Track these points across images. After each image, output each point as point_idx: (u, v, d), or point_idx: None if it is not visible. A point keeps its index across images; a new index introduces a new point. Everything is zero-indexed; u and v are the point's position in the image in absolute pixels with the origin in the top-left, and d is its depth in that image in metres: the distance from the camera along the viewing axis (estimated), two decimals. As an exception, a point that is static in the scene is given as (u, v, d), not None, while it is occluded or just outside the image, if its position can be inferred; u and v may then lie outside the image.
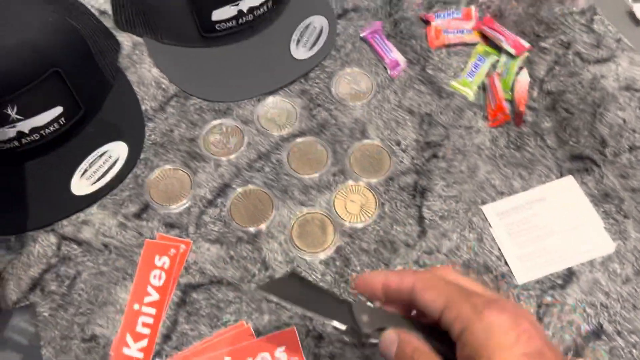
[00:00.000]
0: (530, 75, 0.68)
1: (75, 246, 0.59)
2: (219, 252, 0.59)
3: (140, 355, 0.54)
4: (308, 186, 0.63)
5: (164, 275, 0.58)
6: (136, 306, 0.56)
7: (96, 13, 0.74)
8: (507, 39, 0.69)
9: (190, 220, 0.61)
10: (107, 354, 0.54)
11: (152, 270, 0.58)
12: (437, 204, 0.61)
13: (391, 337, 0.39)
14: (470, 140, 0.65)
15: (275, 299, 0.44)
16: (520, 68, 0.68)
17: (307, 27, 0.73)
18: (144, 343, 0.54)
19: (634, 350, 0.54)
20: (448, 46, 0.72)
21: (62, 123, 0.62)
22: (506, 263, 0.58)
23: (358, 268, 0.58)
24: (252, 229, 0.60)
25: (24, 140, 0.60)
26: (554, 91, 0.68)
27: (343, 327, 0.40)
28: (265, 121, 0.67)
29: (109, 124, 0.66)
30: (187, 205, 0.62)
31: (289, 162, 0.64)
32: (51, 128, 0.61)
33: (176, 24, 0.69)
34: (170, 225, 0.60)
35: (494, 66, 0.70)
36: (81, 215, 0.61)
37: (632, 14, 0.75)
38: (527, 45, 0.69)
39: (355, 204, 0.61)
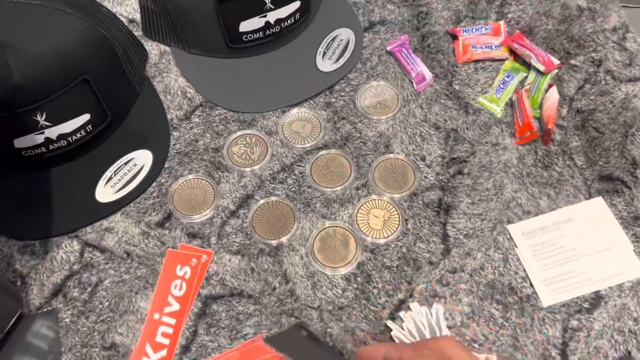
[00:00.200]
0: (560, 93, 0.67)
1: (98, 253, 0.60)
2: (240, 263, 0.59)
3: (159, 365, 0.54)
4: (330, 199, 0.62)
5: (184, 285, 0.58)
6: (156, 316, 0.56)
7: (125, 21, 0.74)
8: (537, 56, 0.68)
9: (213, 230, 0.61)
10: (126, 363, 0.54)
11: (173, 280, 0.58)
12: (461, 221, 0.60)
13: None
14: (496, 157, 0.64)
15: (280, 354, 0.45)
16: (550, 85, 0.67)
17: (333, 39, 0.73)
18: (163, 353, 0.54)
19: (663, 380, 0.52)
20: (476, 61, 0.71)
21: (88, 130, 0.63)
22: (531, 285, 0.57)
23: (380, 285, 0.57)
24: (273, 242, 0.60)
25: (51, 147, 0.61)
26: (584, 110, 0.67)
27: None
28: (289, 133, 0.67)
29: (134, 132, 0.66)
30: (209, 215, 0.62)
31: (311, 175, 0.64)
32: (78, 135, 0.62)
33: (204, 34, 0.69)
34: (192, 235, 0.60)
35: (522, 83, 0.69)
36: (104, 223, 0.61)
37: (665, 32, 0.74)
38: (557, 62, 0.68)
39: (378, 219, 0.61)
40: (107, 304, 0.57)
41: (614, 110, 0.67)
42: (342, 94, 0.70)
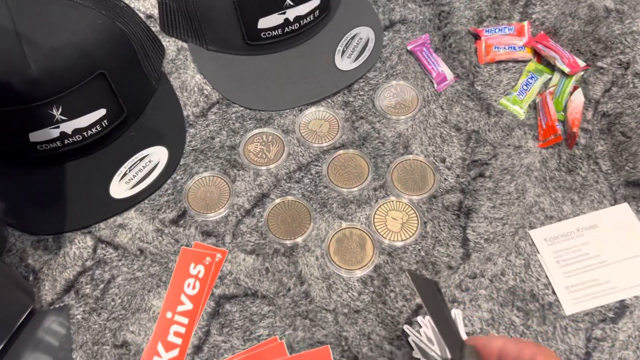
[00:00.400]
0: (585, 96, 0.65)
1: (111, 250, 0.59)
2: (255, 263, 0.58)
3: (171, 365, 0.53)
4: (347, 200, 0.61)
5: (198, 284, 0.57)
6: (169, 314, 0.55)
7: (143, 17, 0.74)
8: (562, 57, 0.66)
9: (227, 229, 0.60)
10: (137, 362, 0.53)
11: (186, 279, 0.57)
12: (482, 225, 0.59)
13: None
14: (519, 160, 0.63)
15: (417, 291, 0.44)
16: (575, 88, 0.65)
17: (352, 37, 0.72)
18: (175, 353, 0.53)
19: (691, 395, 0.50)
20: (498, 62, 0.70)
21: (104, 125, 0.62)
22: (554, 292, 0.55)
23: (397, 289, 0.56)
24: (288, 242, 0.58)
25: (66, 141, 0.60)
26: (610, 113, 0.65)
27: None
28: (306, 132, 0.66)
29: (150, 128, 0.66)
30: (224, 213, 0.61)
31: (328, 175, 0.63)
32: (93, 130, 0.61)
33: (222, 30, 0.68)
34: (207, 234, 0.59)
35: (545, 85, 0.67)
36: (118, 219, 0.61)
37: (695, 35, 0.71)
38: (582, 64, 0.67)
39: (396, 221, 0.59)
40: (119, 301, 0.56)
41: (641, 114, 0.65)
42: (361, 93, 0.69)
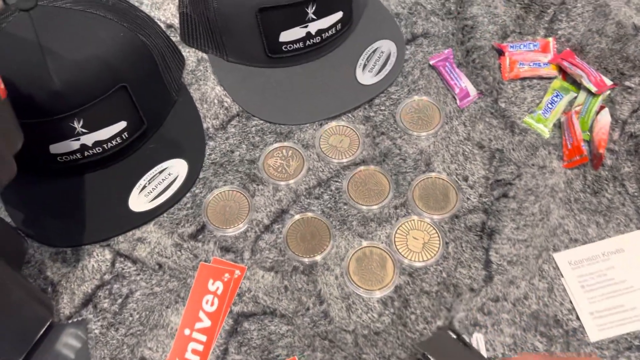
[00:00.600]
0: (612, 116, 0.64)
1: (129, 264, 0.58)
2: (274, 281, 0.57)
3: (188, 383, 0.52)
4: (368, 218, 0.60)
5: (216, 301, 0.56)
6: (187, 331, 0.55)
7: (163, 26, 0.74)
8: (589, 75, 0.65)
9: (246, 245, 0.59)
10: (155, 380, 0.53)
11: (205, 295, 0.56)
12: (505, 247, 0.58)
13: None
14: (543, 180, 0.62)
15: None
16: (601, 107, 0.64)
17: (374, 51, 0.71)
18: (192, 371, 0.53)
19: None
20: (522, 79, 0.68)
21: (124, 137, 0.62)
22: (578, 317, 0.54)
23: (417, 311, 0.55)
24: (307, 259, 0.58)
25: (86, 153, 0.60)
26: (637, 134, 0.64)
27: None
28: (326, 147, 0.65)
29: (169, 140, 0.65)
30: (243, 229, 0.60)
31: (348, 191, 0.62)
32: (114, 142, 0.61)
33: (243, 42, 0.68)
34: (225, 249, 0.59)
35: (571, 103, 0.66)
36: (137, 232, 0.60)
37: None
38: (610, 83, 0.65)
39: (417, 241, 0.59)
40: (137, 316, 0.56)
41: (669, 136, 0.64)
42: (382, 108, 0.68)
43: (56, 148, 0.59)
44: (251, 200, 0.62)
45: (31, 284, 0.57)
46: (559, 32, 0.72)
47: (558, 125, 0.65)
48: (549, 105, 0.65)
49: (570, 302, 0.55)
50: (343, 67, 0.70)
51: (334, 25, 0.68)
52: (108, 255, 0.59)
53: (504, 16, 0.74)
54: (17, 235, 0.60)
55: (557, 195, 0.61)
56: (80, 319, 0.56)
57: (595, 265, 0.57)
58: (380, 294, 0.56)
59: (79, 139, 0.59)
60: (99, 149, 0.61)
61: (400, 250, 0.58)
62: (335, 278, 0.57)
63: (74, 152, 0.60)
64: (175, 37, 0.73)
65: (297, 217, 0.61)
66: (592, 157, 0.62)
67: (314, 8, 0.65)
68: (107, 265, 0.59)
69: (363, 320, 0.55)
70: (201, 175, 0.64)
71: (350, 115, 0.67)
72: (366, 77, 0.69)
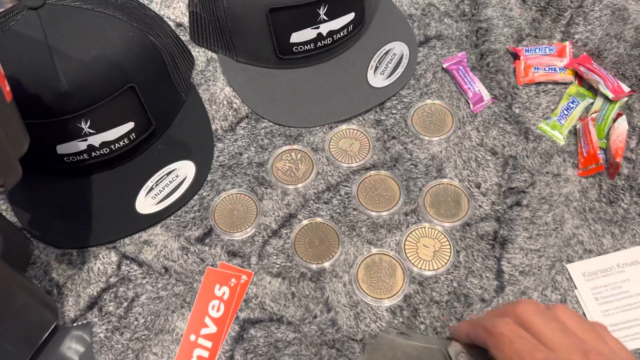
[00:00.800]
0: (629, 123, 0.62)
1: (135, 267, 0.58)
2: (281, 287, 0.56)
3: (193, 390, 0.52)
4: (377, 224, 0.59)
5: (222, 306, 0.55)
6: (192, 337, 0.54)
7: (172, 25, 0.73)
8: (606, 81, 0.63)
9: (254, 250, 0.58)
10: (159, 386, 0.52)
11: (211, 300, 0.56)
12: (518, 257, 0.57)
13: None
14: (557, 189, 0.60)
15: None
16: (619, 114, 0.62)
17: (386, 53, 0.70)
18: (197, 377, 0.52)
19: None
20: (537, 84, 0.67)
21: (132, 138, 0.61)
22: (591, 330, 0.53)
23: (427, 321, 0.54)
24: (314, 266, 0.57)
25: (93, 154, 0.60)
26: (655, 143, 0.62)
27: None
28: (336, 150, 0.64)
29: (177, 141, 0.64)
30: (251, 233, 0.59)
31: (358, 197, 0.61)
32: (121, 143, 0.60)
33: (254, 43, 0.67)
34: (232, 254, 0.58)
35: (587, 110, 0.65)
36: (143, 235, 0.60)
37: None
38: (627, 89, 0.64)
39: (428, 249, 0.57)
40: (142, 321, 0.55)
41: (688, 145, 0.62)
42: (394, 111, 0.67)
43: (63, 149, 0.58)
44: (259, 204, 0.61)
45: (36, 286, 0.56)
46: (576, 36, 0.70)
47: (573, 132, 0.64)
48: (565, 112, 0.64)
49: (584, 314, 0.54)
50: (354, 69, 0.69)
51: (346, 26, 0.67)
52: (114, 257, 0.58)
53: (520, 19, 0.72)
54: (23, 236, 0.59)
55: (571, 204, 0.59)
56: (85, 322, 0.55)
57: (609, 277, 0.55)
58: (389, 303, 0.55)
59: (86, 140, 0.58)
60: (106, 150, 0.60)
61: (410, 258, 0.57)
62: (343, 285, 0.56)
63: (81, 153, 0.59)
64: (185, 36, 0.73)
65: (305, 222, 0.60)
66: (608, 166, 0.61)
67: (325, 9, 0.64)
68: (113, 268, 0.58)
69: (371, 329, 0.54)
70: (209, 178, 0.63)
71: (360, 118, 0.66)
72: (378, 79, 0.68)
